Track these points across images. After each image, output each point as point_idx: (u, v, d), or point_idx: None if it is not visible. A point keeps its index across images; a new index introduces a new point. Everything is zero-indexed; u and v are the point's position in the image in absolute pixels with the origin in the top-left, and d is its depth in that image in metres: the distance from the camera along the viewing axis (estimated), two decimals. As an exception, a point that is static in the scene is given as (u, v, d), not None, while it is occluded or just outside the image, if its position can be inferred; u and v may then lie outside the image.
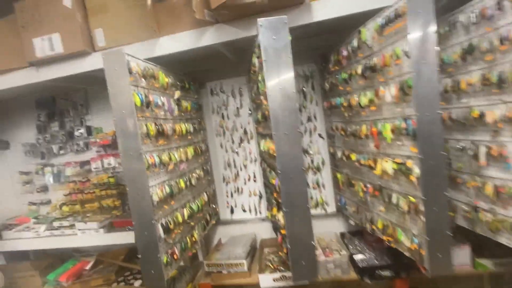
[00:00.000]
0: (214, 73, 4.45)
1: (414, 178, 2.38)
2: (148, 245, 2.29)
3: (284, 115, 2.21)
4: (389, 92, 2.56)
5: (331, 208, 4.47)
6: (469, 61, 2.52)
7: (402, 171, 2.53)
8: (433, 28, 2.12)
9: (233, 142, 4.62)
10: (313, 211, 4.51)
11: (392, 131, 2.61)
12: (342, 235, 4.28)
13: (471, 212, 2.60)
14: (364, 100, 2.98)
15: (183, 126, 3.62)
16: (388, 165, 2.72)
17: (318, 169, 4.47)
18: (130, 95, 2.20)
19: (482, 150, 2.63)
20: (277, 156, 2.23)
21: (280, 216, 2.57)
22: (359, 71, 2.98)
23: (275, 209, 2.92)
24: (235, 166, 4.64)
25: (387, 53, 2.55)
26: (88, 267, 3.86)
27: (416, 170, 2.37)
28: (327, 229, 4.41)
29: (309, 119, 4.44)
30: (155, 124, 2.63)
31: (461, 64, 2.79)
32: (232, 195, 4.68)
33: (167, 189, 2.84)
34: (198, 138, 4.26)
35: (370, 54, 2.83)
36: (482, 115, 2.34)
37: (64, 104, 4.34)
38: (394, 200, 2.73)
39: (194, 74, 4.40)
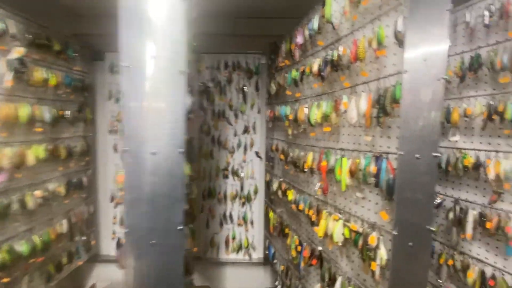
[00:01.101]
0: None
1: (377, 268, 1.28)
2: None
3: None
4: (356, 107, 1.47)
5: (259, 253, 3.28)
6: (470, 80, 1.78)
7: (358, 246, 1.42)
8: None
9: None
10: (233, 256, 3.25)
11: (352, 173, 1.50)
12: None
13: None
14: (316, 115, 1.86)
15: (25, 110, 2.10)
16: (337, 227, 1.60)
17: (248, 199, 3.27)
18: None
19: (472, 217, 1.70)
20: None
21: None
22: (315, 68, 1.87)
23: None
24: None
25: (362, 38, 1.46)
26: None
27: (383, 254, 1.28)
28: (249, 284, 3.20)
29: (245, 130, 3.24)
30: None
31: (458, 84, 1.85)
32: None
33: None
34: (70, 132, 2.72)
35: (336, 40, 1.73)
36: (479, 166, 1.69)
37: None
38: (337, 286, 1.62)
39: (88, 38, 2.90)
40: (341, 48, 1.61)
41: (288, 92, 2.49)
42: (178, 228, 1.27)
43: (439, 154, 1.25)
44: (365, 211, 1.52)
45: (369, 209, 1.49)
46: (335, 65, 1.67)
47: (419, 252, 1.27)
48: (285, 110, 2.47)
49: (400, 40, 1.22)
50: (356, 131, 1.60)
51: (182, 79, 1.25)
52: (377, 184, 1.33)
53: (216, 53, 3.19)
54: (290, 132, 2.42)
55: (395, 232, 1.24)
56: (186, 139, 1.29)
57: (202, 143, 3.25)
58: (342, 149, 1.67)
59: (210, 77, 3.21)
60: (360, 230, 1.42)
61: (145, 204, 1.26)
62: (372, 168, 1.36)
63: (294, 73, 2.28)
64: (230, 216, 3.27)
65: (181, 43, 1.25)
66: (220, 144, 3.24)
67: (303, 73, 2.12)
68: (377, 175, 1.33)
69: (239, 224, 3.28)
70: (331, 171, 1.71)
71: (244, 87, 3.20)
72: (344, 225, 1.57)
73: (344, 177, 1.56)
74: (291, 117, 2.33)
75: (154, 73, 1.24)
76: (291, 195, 2.35)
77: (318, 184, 1.89)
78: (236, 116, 3.23)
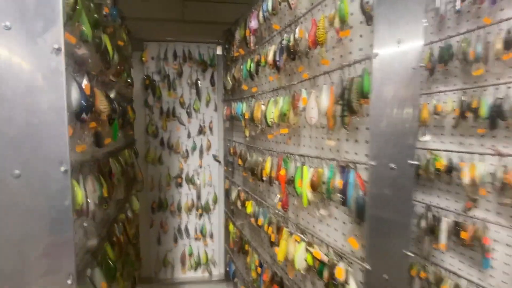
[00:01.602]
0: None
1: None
2: None
3: None
4: (316, 103, 1.16)
5: (220, 268, 2.92)
6: (440, 74, 1.69)
7: (323, 278, 1.13)
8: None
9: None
10: (191, 275, 2.86)
11: (314, 186, 1.20)
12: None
13: None
14: (273, 113, 1.53)
15: None
16: (298, 251, 1.30)
17: (206, 209, 2.88)
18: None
19: (445, 225, 1.53)
20: None
21: None
22: (270, 56, 1.54)
23: None
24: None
25: (322, 17, 1.15)
26: None
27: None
28: (208, 304, 2.83)
29: (201, 130, 2.84)
30: None
31: (427, 77, 1.66)
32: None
33: None
34: None
35: (293, 21, 1.40)
36: (451, 169, 1.56)
37: None
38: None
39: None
40: (297, 31, 1.30)
41: (245, 87, 2.14)
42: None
43: (416, 163, 0.99)
44: (331, 231, 1.23)
45: (336, 229, 1.21)
46: (291, 52, 1.35)
47: (396, 286, 1.01)
48: (241, 107, 2.12)
49: (368, 15, 0.93)
50: (318, 133, 1.31)
51: (59, 61, 0.83)
52: (344, 203, 1.04)
53: (163, 41, 2.73)
54: (247, 133, 2.08)
55: (367, 266, 0.95)
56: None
57: (149, 147, 2.79)
58: (302, 156, 1.37)
59: (156, 69, 2.74)
60: (325, 259, 1.13)
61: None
62: (338, 182, 1.06)
63: (250, 64, 1.93)
64: (186, 230, 2.86)
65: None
66: (170, 147, 2.80)
67: (258, 63, 1.78)
68: (343, 191, 1.04)
69: (196, 238, 2.89)
70: (291, 181, 1.40)
71: (198, 81, 2.78)
72: (307, 250, 1.27)
73: (305, 191, 1.25)
74: (247, 116, 1.98)
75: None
76: (250, 207, 2.02)
77: (278, 197, 1.57)
78: (189, 114, 2.81)
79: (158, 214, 2.84)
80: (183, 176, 2.84)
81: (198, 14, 2.69)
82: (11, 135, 0.82)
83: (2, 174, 0.81)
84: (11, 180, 0.81)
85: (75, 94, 0.91)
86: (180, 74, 2.76)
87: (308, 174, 1.25)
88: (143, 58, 2.69)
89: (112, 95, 1.59)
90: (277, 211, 1.63)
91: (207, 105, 2.85)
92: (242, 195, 2.22)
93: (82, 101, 0.96)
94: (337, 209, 1.19)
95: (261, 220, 1.81)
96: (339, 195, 1.05)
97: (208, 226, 2.91)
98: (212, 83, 2.82)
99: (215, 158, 2.88)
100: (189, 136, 2.83)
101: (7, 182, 0.81)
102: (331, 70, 1.15)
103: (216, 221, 2.92)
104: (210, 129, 2.86)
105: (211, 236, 2.91)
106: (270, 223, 1.68)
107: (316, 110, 1.17)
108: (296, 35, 1.29)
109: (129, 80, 2.27)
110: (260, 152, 1.91)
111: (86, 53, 1.09)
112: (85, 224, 1.06)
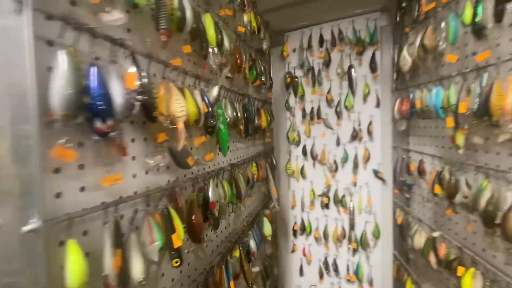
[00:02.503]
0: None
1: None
2: None
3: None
4: None
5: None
6: None
7: None
8: None
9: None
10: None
11: None
12: None
13: None
14: None
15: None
16: None
17: (363, 244, 2.09)
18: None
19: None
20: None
21: None
22: None
23: None
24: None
25: None
26: None
27: None
28: None
29: (355, 136, 2.09)
30: None
31: None
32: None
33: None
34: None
35: None
36: None
37: None
38: None
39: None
40: None
41: (451, 58, 1.21)
42: None
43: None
44: None
45: None
46: None
47: None
48: (441, 94, 1.21)
49: None
50: None
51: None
52: None
53: (306, 26, 2.21)
54: (459, 140, 1.14)
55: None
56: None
57: (289, 157, 2.34)
58: None
59: (298, 63, 2.25)
60: None
61: None
62: None
63: (469, 13, 1.01)
64: (335, 265, 2.19)
65: None
66: (315, 157, 2.23)
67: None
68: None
69: (348, 280, 2.15)
70: None
71: (351, 69, 2.05)
72: None
73: None
74: (462, 107, 1.06)
75: None
76: (470, 279, 1.07)
77: None
78: (338, 115, 2.13)
79: (300, 239, 2.34)
80: (331, 195, 2.19)
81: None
82: None
83: None
84: None
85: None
86: (327, 63, 2.14)
87: None
88: (284, 52, 2.28)
89: (214, 93, 1.15)
90: None
91: (364, 100, 2.06)
92: (443, 246, 1.28)
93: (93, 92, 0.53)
94: None
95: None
96: None
97: (366, 268, 2.09)
98: (373, 68, 2.00)
99: (376, 174, 2.03)
100: (338, 143, 2.15)
101: None
102: None
103: (378, 263, 2.06)
104: (369, 133, 2.04)
105: (371, 283, 2.07)
106: None
107: None
108: None
109: (263, 79, 1.91)
110: (497, 177, 0.93)
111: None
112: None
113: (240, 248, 1.43)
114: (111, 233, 0.65)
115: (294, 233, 2.35)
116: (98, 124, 0.61)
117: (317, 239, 2.27)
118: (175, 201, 0.91)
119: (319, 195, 2.23)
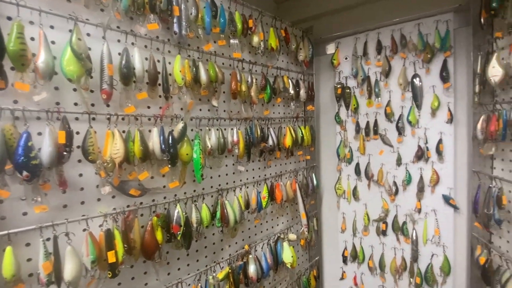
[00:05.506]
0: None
1: None
2: None
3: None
4: None
5: None
6: None
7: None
8: None
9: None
10: None
11: None
12: None
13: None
14: None
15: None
16: None
17: (428, 281, 1.81)
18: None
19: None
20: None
21: None
22: None
23: None
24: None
25: None
26: None
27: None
28: None
29: (420, 155, 1.83)
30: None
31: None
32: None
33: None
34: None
35: None
36: None
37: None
38: None
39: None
40: None
41: None
42: None
43: None
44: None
45: None
46: None
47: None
48: None
49: None
50: None
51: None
52: None
53: (361, 32, 2.01)
54: None
55: None
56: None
57: (340, 175, 2.13)
58: None
59: (352, 73, 2.05)
60: None
61: None
62: None
63: None
64: (392, 300, 1.94)
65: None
66: (370, 177, 2.00)
67: None
68: None
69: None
70: None
71: (415, 79, 1.80)
72: None
73: None
74: None
75: None
76: None
77: None
78: (400, 130, 1.88)
79: (351, 266, 2.12)
80: (389, 220, 1.94)
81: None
82: None
83: None
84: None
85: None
86: (386, 72, 1.91)
87: None
88: (334, 61, 2.09)
89: (179, 129, 1.26)
90: None
91: (433, 114, 1.79)
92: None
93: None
94: None
95: None
96: None
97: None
98: (444, 78, 1.72)
99: (448, 201, 1.75)
100: (399, 163, 1.90)
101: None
102: None
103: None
104: (439, 152, 1.77)
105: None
106: None
107: None
108: None
109: (291, 93, 1.89)
110: None
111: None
112: None
113: (230, 271, 1.47)
114: (43, 245, 0.90)
115: (344, 259, 2.13)
116: (21, 174, 0.85)
117: (371, 269, 2.03)
118: (124, 224, 1.09)
119: (375, 220, 2.00)
